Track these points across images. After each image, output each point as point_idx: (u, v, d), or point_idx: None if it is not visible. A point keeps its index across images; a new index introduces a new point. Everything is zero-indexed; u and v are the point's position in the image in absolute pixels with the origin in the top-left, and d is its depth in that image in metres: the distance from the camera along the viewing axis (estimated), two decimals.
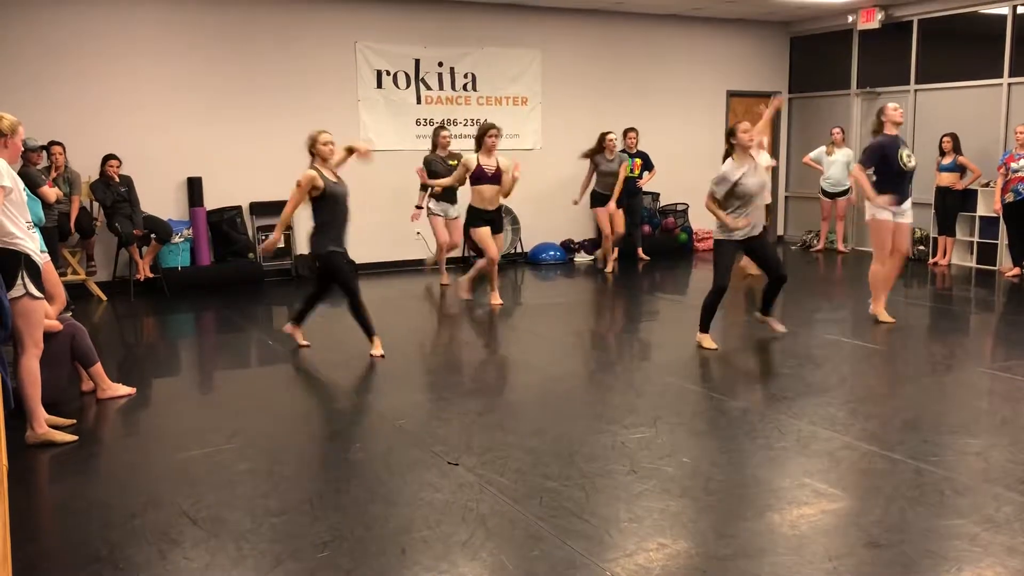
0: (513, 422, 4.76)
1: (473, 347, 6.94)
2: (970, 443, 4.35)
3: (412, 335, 7.26)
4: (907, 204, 7.10)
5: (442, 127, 9.59)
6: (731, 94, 12.69)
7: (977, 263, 10.38)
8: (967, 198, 10.35)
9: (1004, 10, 10.25)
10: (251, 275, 9.60)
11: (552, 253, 11.23)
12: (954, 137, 10.20)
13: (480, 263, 8.27)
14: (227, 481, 3.95)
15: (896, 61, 11.52)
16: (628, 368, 6.14)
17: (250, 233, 9.86)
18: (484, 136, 7.92)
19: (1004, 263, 10.01)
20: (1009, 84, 10.24)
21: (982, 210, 10.21)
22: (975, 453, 4.22)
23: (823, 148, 11.62)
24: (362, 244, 10.32)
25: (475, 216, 7.94)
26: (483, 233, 7.91)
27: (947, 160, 10.29)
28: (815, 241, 12.16)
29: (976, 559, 3.15)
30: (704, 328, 6.50)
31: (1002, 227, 9.97)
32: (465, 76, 10.85)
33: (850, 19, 11.60)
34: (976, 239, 10.40)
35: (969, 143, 10.26)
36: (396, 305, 8.72)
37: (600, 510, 3.57)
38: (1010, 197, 9.53)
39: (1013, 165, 9.46)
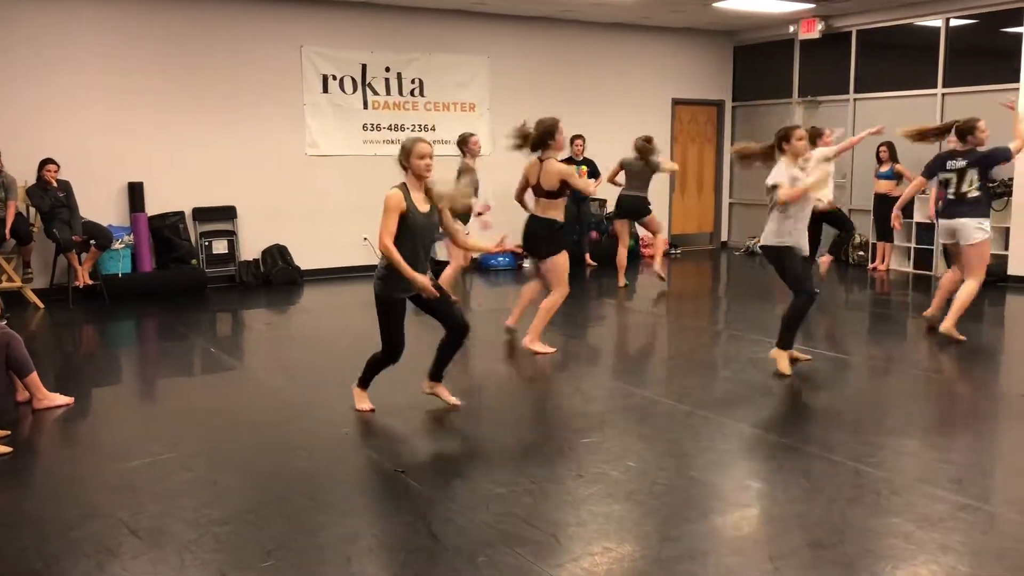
0: (461, 428, 4.75)
1: (422, 354, 6.90)
2: (906, 444, 4.46)
3: (360, 342, 7.20)
4: (952, 224, 6.84)
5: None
6: (676, 102, 12.86)
7: (914, 268, 10.65)
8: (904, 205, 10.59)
9: (938, 22, 10.55)
10: (194, 282, 9.44)
11: (501, 259, 11.25)
12: (891, 146, 10.46)
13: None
14: (168, 491, 3.88)
15: (836, 71, 11.78)
16: (576, 373, 6.17)
17: (193, 239, 9.70)
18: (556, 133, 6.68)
19: (940, 268, 10.28)
20: (943, 94, 10.54)
21: (918, 217, 10.48)
22: (911, 453, 4.33)
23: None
24: (309, 250, 10.26)
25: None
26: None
27: (884, 168, 10.55)
28: (758, 247, 12.35)
29: (911, 556, 3.23)
30: (788, 344, 5.82)
31: (937, 233, 10.23)
32: (413, 82, 10.83)
33: (791, 29, 11.84)
34: (913, 245, 10.67)
35: (905, 152, 10.52)
36: (343, 312, 8.65)
37: (547, 515, 3.58)
38: (942, 204, 9.78)
39: None
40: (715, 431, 4.68)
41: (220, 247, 9.87)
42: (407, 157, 4.82)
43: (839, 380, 5.92)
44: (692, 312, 8.53)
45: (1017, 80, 9.37)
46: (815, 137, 8.27)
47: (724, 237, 13.67)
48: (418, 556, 3.22)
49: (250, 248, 10.08)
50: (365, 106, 10.57)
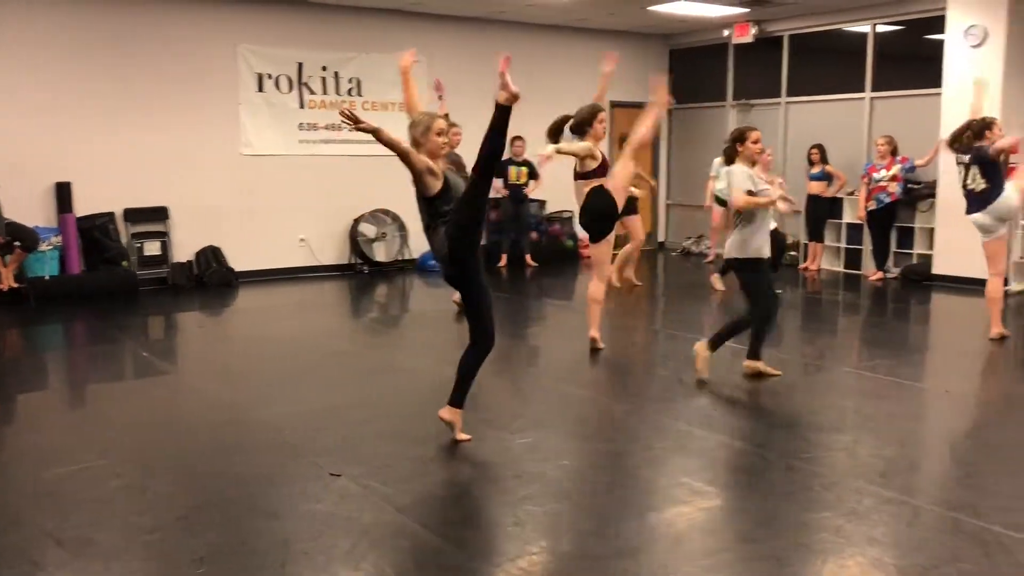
0: (399, 430, 4.73)
1: (360, 356, 6.86)
2: (837, 439, 4.57)
3: (296, 345, 7.12)
4: (975, 218, 6.88)
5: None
6: (614, 104, 12.96)
7: (844, 268, 10.91)
8: (834, 206, 10.87)
9: (865, 28, 10.84)
10: (125, 284, 9.23)
11: None
12: (821, 148, 10.72)
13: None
14: (97, 499, 3.78)
15: (769, 74, 12.02)
16: (515, 374, 6.19)
17: (124, 240, 9.48)
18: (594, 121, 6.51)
19: (868, 268, 10.56)
20: (871, 98, 10.83)
21: (848, 217, 10.75)
22: (841, 449, 4.43)
23: (718, 159, 11.91)
24: (244, 252, 10.11)
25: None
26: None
27: (815, 170, 10.79)
28: (695, 247, 12.53)
29: (840, 549, 3.31)
30: (756, 355, 5.78)
31: (866, 233, 10.52)
32: (350, 81, 10.74)
33: (725, 33, 12.04)
34: (843, 245, 10.94)
35: (835, 153, 10.80)
36: (279, 314, 8.54)
37: (484, 515, 3.58)
38: (872, 205, 10.08)
39: (875, 175, 10.01)
40: (651, 429, 4.74)
41: (152, 248, 9.66)
42: (424, 133, 4.37)
43: (773, 378, 6.03)
44: (630, 312, 8.62)
45: (940, 85, 9.67)
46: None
47: (661, 238, 13.83)
48: (353, 559, 3.19)
49: (183, 249, 9.88)
50: (301, 105, 10.45)
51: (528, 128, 11.45)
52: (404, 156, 4.17)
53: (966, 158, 6.83)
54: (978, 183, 6.75)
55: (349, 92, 10.74)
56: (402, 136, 4.34)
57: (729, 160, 5.68)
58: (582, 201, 6.36)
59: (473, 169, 4.23)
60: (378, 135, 4.03)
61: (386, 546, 3.32)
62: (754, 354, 5.76)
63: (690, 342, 6.93)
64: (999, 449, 4.60)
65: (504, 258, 11.43)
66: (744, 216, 5.54)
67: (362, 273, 10.74)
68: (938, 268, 9.84)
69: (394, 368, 6.32)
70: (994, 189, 6.70)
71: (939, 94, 9.68)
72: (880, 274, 10.22)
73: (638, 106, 13.24)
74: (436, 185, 4.27)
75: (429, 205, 4.35)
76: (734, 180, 5.57)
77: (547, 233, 12.11)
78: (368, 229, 10.80)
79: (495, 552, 3.28)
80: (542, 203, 12.12)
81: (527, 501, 3.73)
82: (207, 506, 3.71)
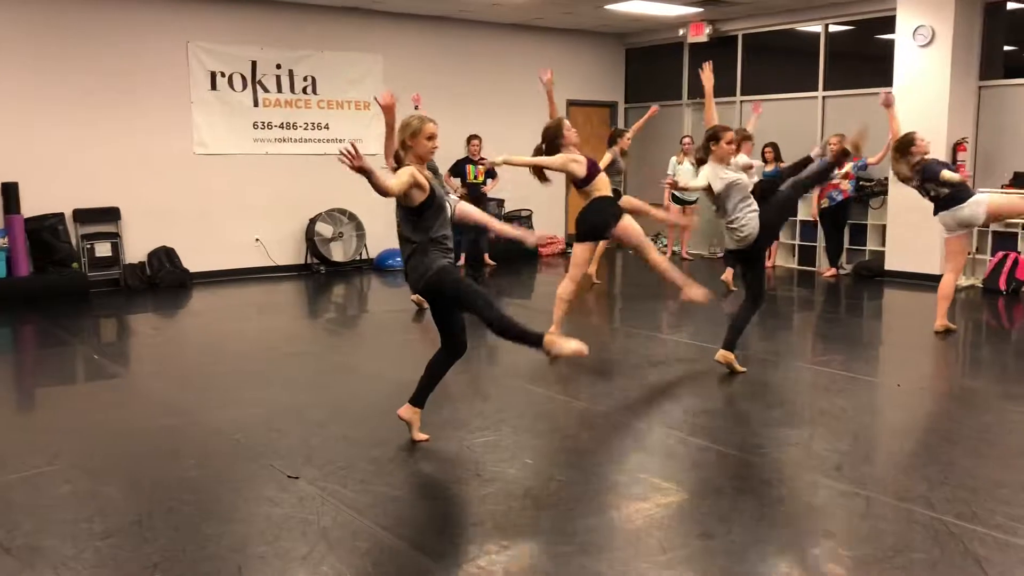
0: (357, 432, 4.69)
1: (317, 357, 6.79)
2: (793, 434, 4.62)
3: (252, 346, 7.03)
4: (940, 216, 6.98)
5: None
6: (571, 103, 13.01)
7: (799, 264, 11.06)
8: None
9: (817, 28, 10.99)
10: (75, 286, 9.04)
11: (399, 259, 11.14)
12: (775, 146, 10.83)
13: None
14: (46, 506, 3.70)
15: (724, 74, 12.08)
16: (475, 373, 6.17)
17: (74, 241, 9.28)
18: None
19: (822, 264, 10.72)
20: (824, 97, 10.99)
21: (802, 215, 10.89)
22: (797, 443, 4.48)
23: (674, 158, 11.98)
24: (198, 252, 9.96)
25: None
26: None
27: (770, 168, 10.89)
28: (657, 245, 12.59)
29: (796, 542, 3.35)
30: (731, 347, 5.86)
31: (820, 231, 10.67)
32: (305, 79, 10.64)
33: (680, 32, 12.13)
34: (797, 242, 11.09)
35: (789, 152, 10.92)
36: (234, 315, 8.43)
37: (444, 516, 3.57)
38: (825, 203, 10.23)
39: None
40: (610, 427, 4.75)
41: (103, 250, 9.48)
42: (414, 136, 4.17)
43: (729, 374, 6.08)
44: (588, 310, 8.65)
45: (890, 84, 9.84)
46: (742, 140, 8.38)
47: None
48: (311, 562, 3.16)
49: (135, 250, 9.71)
50: (255, 104, 10.33)
51: (485, 128, 11.47)
52: (389, 194, 4.04)
53: (916, 183, 6.90)
54: (941, 191, 6.81)
55: (304, 91, 10.64)
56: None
57: (701, 160, 5.79)
58: (582, 207, 6.42)
59: None
60: (371, 178, 3.90)
61: (345, 548, 3.28)
62: (730, 345, 5.83)
63: (648, 339, 6.98)
64: (950, 441, 4.69)
65: (463, 257, 11.40)
66: (719, 210, 5.70)
67: (319, 273, 10.65)
68: (890, 264, 10.02)
69: (352, 369, 6.27)
70: (960, 192, 6.77)
71: (890, 92, 9.84)
72: (833, 270, 10.37)
73: (595, 104, 13.34)
74: (420, 197, 4.12)
75: (413, 218, 4.20)
76: (699, 177, 5.72)
77: None
78: (324, 229, 10.70)
79: (455, 552, 3.26)
80: (500, 202, 12.11)
81: (487, 500, 3.72)
82: (160, 511, 3.64)
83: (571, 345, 4.15)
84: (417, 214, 4.16)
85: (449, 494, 3.78)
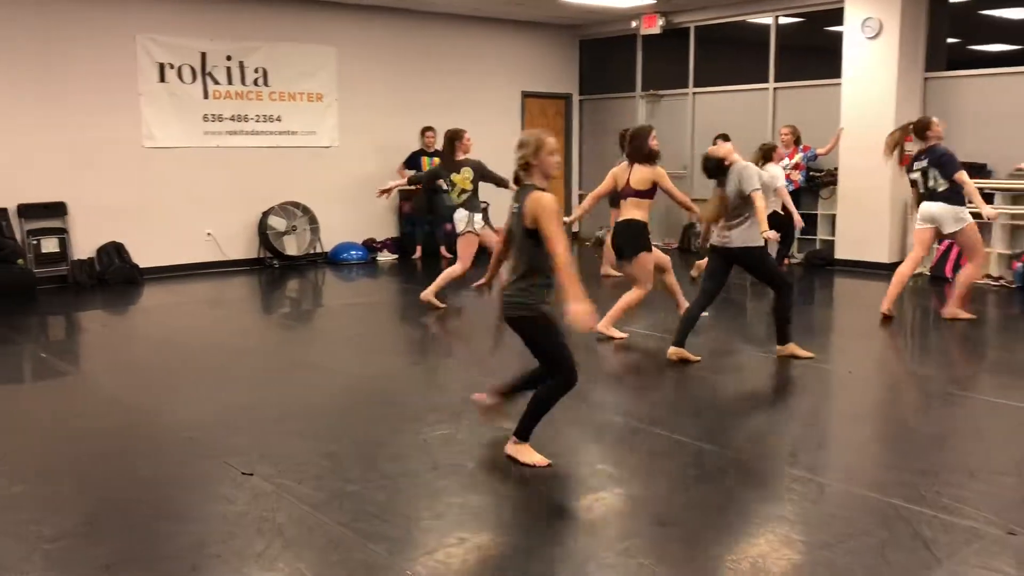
0: (313, 427, 4.65)
1: (272, 353, 6.72)
2: (747, 421, 4.68)
3: (205, 342, 6.94)
4: (931, 208, 7.09)
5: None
6: (526, 95, 13.01)
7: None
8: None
9: (768, 20, 11.12)
10: (21, 283, 8.82)
11: (354, 253, 11.09)
12: (726, 138, 10.93)
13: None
14: None
15: (676, 65, 12.23)
16: (432, 366, 6.16)
17: (19, 237, 9.06)
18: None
19: (773, 253, 10.85)
20: (775, 89, 11.12)
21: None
22: (751, 430, 4.55)
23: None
24: (148, 248, 9.79)
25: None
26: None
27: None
28: (607, 237, 12.63)
29: (751, 528, 3.40)
30: (788, 339, 5.97)
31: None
32: (256, 71, 10.49)
33: (633, 24, 12.19)
34: None
35: (741, 143, 11.00)
36: (186, 311, 8.30)
37: (401, 510, 3.55)
38: None
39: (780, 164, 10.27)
40: (568, 418, 4.76)
41: (50, 246, 9.27)
42: (536, 153, 3.84)
43: (684, 365, 6.14)
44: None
45: (839, 75, 9.99)
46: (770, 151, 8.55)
47: (575, 228, 13.94)
48: (267, 560, 3.13)
49: (84, 246, 9.51)
50: (206, 96, 10.17)
51: (440, 119, 11.41)
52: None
53: (924, 162, 6.99)
54: (940, 183, 6.92)
55: (255, 83, 10.50)
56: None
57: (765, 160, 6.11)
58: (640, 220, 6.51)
59: None
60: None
61: (301, 545, 3.26)
62: (784, 338, 5.93)
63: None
64: (900, 427, 4.80)
65: (419, 250, 11.36)
66: (739, 208, 5.73)
67: (272, 267, 10.54)
68: (840, 253, 10.19)
69: (307, 365, 6.21)
70: (955, 192, 6.88)
71: (839, 84, 10.00)
72: (785, 260, 10.50)
73: (549, 96, 13.36)
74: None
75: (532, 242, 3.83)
76: (755, 179, 5.75)
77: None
78: (278, 222, 10.59)
79: (413, 546, 3.26)
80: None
81: (444, 493, 3.72)
82: (112, 512, 3.58)
83: (533, 457, 3.99)
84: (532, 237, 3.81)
85: (406, 488, 3.77)
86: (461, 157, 7.86)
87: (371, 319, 7.90)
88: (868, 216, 9.62)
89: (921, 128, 7.08)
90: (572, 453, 4.27)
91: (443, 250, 11.35)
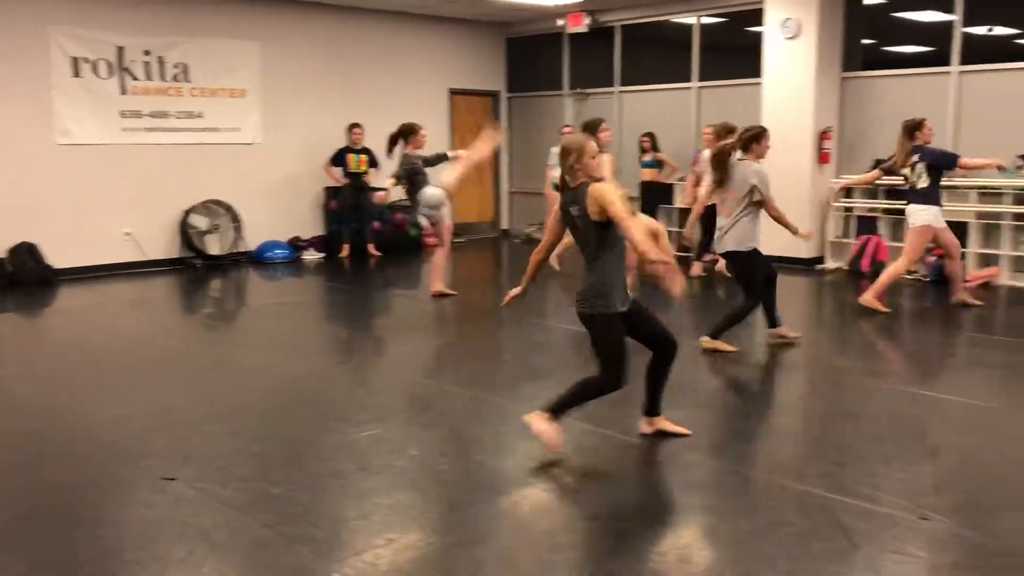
0: (237, 429, 4.56)
1: (195, 354, 6.57)
2: (672, 415, 4.73)
3: (125, 344, 6.74)
4: (907, 210, 7.44)
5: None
6: (453, 92, 12.97)
7: (677, 251, 11.35)
8: (666, 192, 11.29)
9: (691, 20, 11.30)
10: None
11: (279, 251, 10.90)
12: (652, 136, 11.09)
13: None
14: None
15: (603, 64, 12.33)
16: (360, 365, 6.10)
17: None
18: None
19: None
20: (698, 88, 11.31)
21: (679, 203, 11.19)
22: (677, 424, 4.60)
23: (555, 148, 12.06)
24: (64, 248, 9.47)
25: None
26: None
27: (647, 157, 11.16)
28: (537, 234, 12.68)
29: (677, 520, 3.46)
30: (719, 335, 6.06)
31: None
32: (176, 66, 10.23)
33: (560, 23, 12.25)
34: (676, 229, 11.37)
35: (666, 141, 11.20)
36: (104, 313, 8.06)
37: (328, 511, 3.51)
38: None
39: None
40: (496, 415, 4.78)
41: None
42: (579, 158, 3.92)
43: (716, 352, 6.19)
44: (476, 299, 8.66)
45: (760, 75, 10.20)
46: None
47: (505, 225, 13.97)
48: (189, 565, 3.05)
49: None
50: (123, 91, 9.87)
51: (366, 116, 11.31)
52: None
53: (915, 157, 7.24)
54: (922, 180, 7.19)
55: (175, 78, 10.24)
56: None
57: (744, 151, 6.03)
58: None
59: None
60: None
61: (225, 549, 3.19)
62: (717, 333, 6.02)
63: (535, 327, 7.04)
64: (820, 418, 4.93)
65: (346, 248, 11.24)
66: (752, 209, 5.91)
67: (195, 267, 10.30)
68: (762, 249, 10.38)
69: (232, 365, 6.09)
70: (934, 191, 7.18)
71: (759, 84, 10.21)
72: (709, 256, 10.69)
73: (477, 94, 13.34)
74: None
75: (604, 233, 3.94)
76: (759, 175, 5.90)
77: (390, 222, 11.97)
78: (199, 221, 10.35)
79: (340, 547, 3.22)
80: (385, 191, 11.96)
81: (373, 494, 3.68)
82: (25, 519, 3.45)
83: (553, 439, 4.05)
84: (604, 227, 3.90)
85: (333, 489, 3.72)
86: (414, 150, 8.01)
87: (297, 319, 7.78)
88: (788, 213, 9.82)
89: (912, 128, 7.34)
90: (502, 450, 4.27)
91: (371, 248, 11.25)
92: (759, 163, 6.03)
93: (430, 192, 7.80)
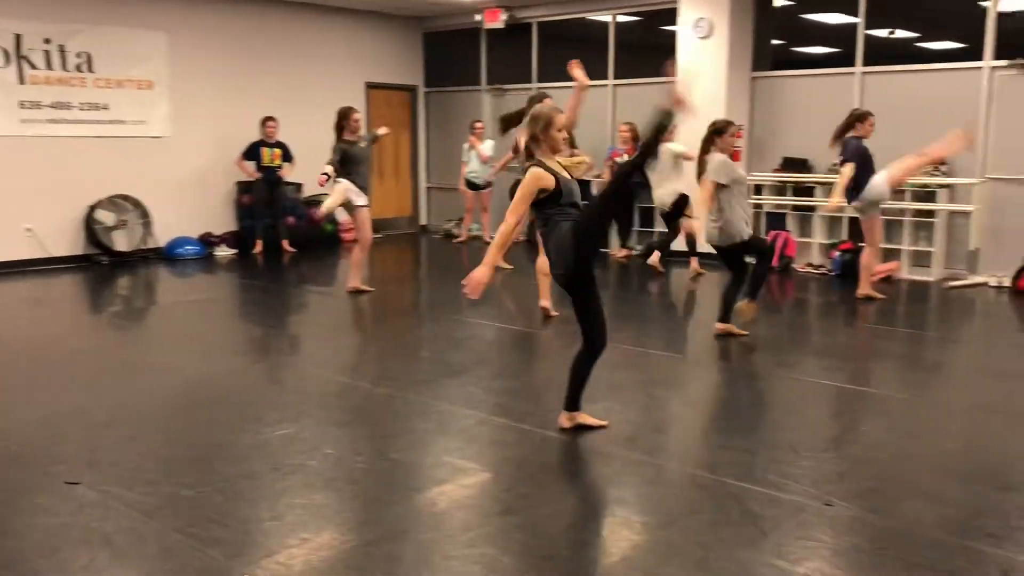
0: (145, 431, 4.42)
1: (101, 354, 6.34)
2: (588, 408, 4.77)
3: (26, 345, 6.47)
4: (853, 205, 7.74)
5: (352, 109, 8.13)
6: (370, 86, 12.84)
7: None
8: (584, 188, 11.37)
9: (607, 18, 11.42)
10: None
11: (190, 248, 10.62)
12: (569, 133, 11.15)
13: None
14: None
15: (520, 60, 12.37)
16: (274, 364, 5.98)
17: None
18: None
19: (614, 246, 11.18)
20: (614, 86, 11.44)
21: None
22: (593, 415, 4.65)
23: (466, 144, 12.05)
24: None
25: None
26: None
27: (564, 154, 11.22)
28: (456, 230, 12.66)
29: (592, 512, 3.49)
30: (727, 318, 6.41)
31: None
32: (79, 56, 9.87)
33: (477, 18, 12.23)
34: None
35: (582, 138, 11.27)
36: (4, 312, 7.73)
37: (240, 513, 3.43)
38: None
39: (618, 159, 10.58)
40: (413, 411, 4.75)
41: None
42: (545, 129, 4.03)
43: (528, 354, 6.24)
44: (394, 296, 8.60)
45: (674, 74, 10.36)
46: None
47: (423, 221, 13.90)
48: (92, 572, 2.95)
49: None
50: (21, 81, 9.48)
51: (280, 109, 11.11)
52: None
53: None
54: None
55: (78, 68, 9.87)
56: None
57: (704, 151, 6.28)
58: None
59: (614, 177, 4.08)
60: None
61: (131, 555, 3.09)
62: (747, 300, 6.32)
63: (454, 323, 7.02)
64: (731, 409, 5.05)
65: (259, 244, 11.02)
66: (717, 204, 6.12)
67: (101, 264, 9.96)
68: (677, 244, 10.57)
69: (141, 365, 5.90)
70: (863, 179, 7.41)
71: (674, 83, 10.36)
72: (626, 251, 10.85)
73: (394, 88, 13.23)
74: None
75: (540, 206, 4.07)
76: (717, 166, 6.10)
77: (305, 217, 11.78)
78: (106, 216, 10.01)
79: (253, 548, 3.15)
80: (299, 186, 11.78)
81: (286, 494, 3.62)
82: None
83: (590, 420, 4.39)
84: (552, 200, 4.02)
85: (246, 490, 3.64)
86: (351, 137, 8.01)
87: (209, 317, 7.60)
88: (699, 209, 10.00)
89: (854, 120, 7.59)
90: (419, 448, 4.25)
91: (286, 244, 11.06)
92: (723, 155, 6.24)
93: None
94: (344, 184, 7.82)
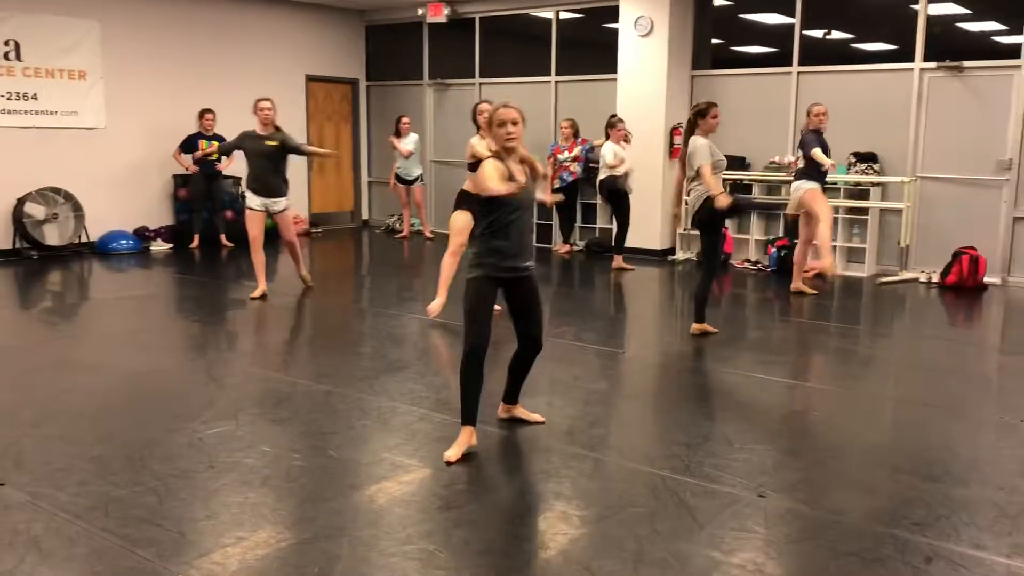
0: (76, 430, 4.32)
1: (30, 352, 6.17)
2: (528, 403, 4.79)
3: None
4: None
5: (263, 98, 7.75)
6: (310, 79, 12.70)
7: (536, 242, 11.52)
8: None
9: (549, 14, 11.46)
10: None
11: (124, 242, 10.39)
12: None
13: None
14: None
15: (463, 55, 12.34)
16: (209, 361, 5.88)
17: None
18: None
19: (557, 242, 11.25)
20: (556, 82, 11.48)
21: (538, 195, 11.33)
22: (532, 411, 4.67)
23: (392, 139, 11.98)
24: None
25: None
26: None
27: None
28: (399, 225, 12.58)
29: (533, 507, 3.50)
30: (702, 318, 6.45)
31: (553, 210, 11.16)
32: (7, 43, 9.57)
33: (420, 12, 12.17)
34: (535, 221, 11.53)
35: (525, 134, 11.30)
36: None
37: (174, 512, 3.37)
38: (557, 184, 10.71)
39: (559, 156, 10.64)
40: (352, 408, 4.72)
41: None
42: (488, 125, 4.11)
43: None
44: (334, 291, 8.52)
45: (616, 71, 10.46)
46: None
47: (365, 215, 13.80)
48: (20, 575, 2.88)
49: None
50: None
51: (218, 101, 10.92)
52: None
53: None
54: (801, 160, 7.85)
55: (6, 56, 9.58)
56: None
57: (690, 131, 6.16)
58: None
59: None
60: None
61: (60, 556, 3.02)
62: (700, 317, 6.42)
63: (393, 318, 6.99)
64: (669, 402, 5.11)
65: (196, 238, 10.83)
66: (693, 185, 6.16)
67: (31, 259, 9.68)
68: (632, 242, 10.68)
69: (71, 363, 5.75)
70: (805, 170, 7.78)
71: (615, 79, 10.47)
72: (567, 247, 10.91)
73: (335, 81, 13.09)
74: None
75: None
76: (700, 148, 6.06)
77: (243, 212, 11.59)
78: (36, 210, 9.73)
79: (187, 548, 3.10)
80: (237, 180, 11.58)
81: (221, 492, 3.57)
82: None
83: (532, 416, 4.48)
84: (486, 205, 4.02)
85: (180, 489, 3.58)
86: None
87: (144, 313, 7.44)
88: (641, 205, 10.12)
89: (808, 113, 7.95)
90: (358, 444, 4.22)
91: (223, 238, 10.88)
92: (707, 137, 6.19)
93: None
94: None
